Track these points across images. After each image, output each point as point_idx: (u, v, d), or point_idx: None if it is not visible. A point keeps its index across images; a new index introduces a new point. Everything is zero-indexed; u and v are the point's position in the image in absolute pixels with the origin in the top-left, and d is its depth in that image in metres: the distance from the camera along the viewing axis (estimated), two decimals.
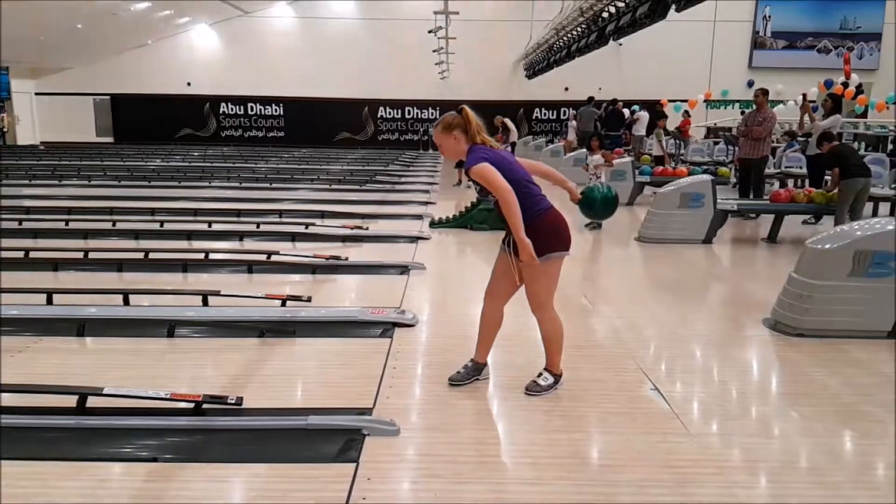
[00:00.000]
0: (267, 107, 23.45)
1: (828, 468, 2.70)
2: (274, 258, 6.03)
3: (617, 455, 2.75)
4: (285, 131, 23.57)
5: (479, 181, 3.10)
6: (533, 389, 3.31)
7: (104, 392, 2.98)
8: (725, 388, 3.50)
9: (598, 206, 3.69)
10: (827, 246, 4.18)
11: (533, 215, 3.09)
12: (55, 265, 5.83)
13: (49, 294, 4.66)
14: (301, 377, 3.58)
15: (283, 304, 4.62)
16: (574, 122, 16.79)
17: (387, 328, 4.23)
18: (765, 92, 9.02)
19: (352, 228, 7.57)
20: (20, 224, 7.89)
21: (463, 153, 3.17)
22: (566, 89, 21.96)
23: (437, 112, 23.17)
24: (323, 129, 23.17)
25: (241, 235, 7.42)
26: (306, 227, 7.66)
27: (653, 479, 2.56)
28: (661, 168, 10.86)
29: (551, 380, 3.33)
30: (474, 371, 3.41)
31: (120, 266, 5.84)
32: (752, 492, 2.52)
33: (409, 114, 23.52)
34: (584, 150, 11.51)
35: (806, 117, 9.70)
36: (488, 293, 3.39)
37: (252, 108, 23.48)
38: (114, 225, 7.87)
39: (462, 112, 3.16)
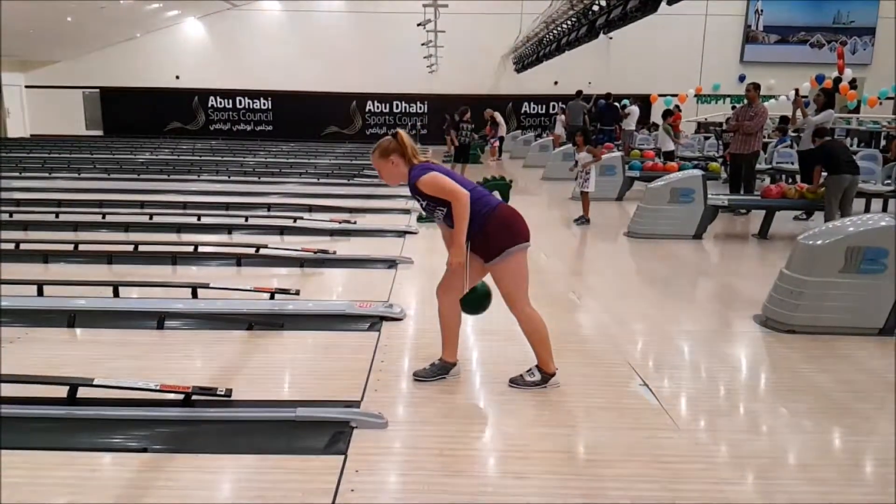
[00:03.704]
0: (255, 101, 23.31)
1: (817, 464, 2.71)
2: (262, 251, 6.02)
3: (605, 450, 2.76)
4: (273, 125, 23.45)
5: (431, 191, 3.10)
6: (517, 382, 3.31)
7: (94, 383, 2.99)
8: (714, 384, 3.51)
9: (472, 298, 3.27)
10: (819, 242, 4.18)
11: (483, 216, 3.11)
12: (46, 257, 5.83)
13: (40, 286, 4.65)
14: (289, 370, 3.58)
15: (272, 297, 4.62)
16: (562, 117, 16.78)
17: (374, 322, 4.23)
18: (756, 86, 9.03)
19: (340, 222, 7.55)
20: (11, 216, 7.84)
21: (403, 176, 3.21)
22: (555, 83, 21.93)
23: (426, 106, 23.14)
24: (311, 123, 23.07)
25: (229, 229, 7.41)
26: (294, 221, 7.66)
27: (641, 474, 2.57)
28: (651, 163, 10.88)
29: (538, 377, 3.30)
30: (441, 370, 3.39)
31: (110, 258, 5.83)
32: (740, 488, 2.53)
33: (397, 108, 23.44)
34: (572, 145, 11.51)
35: (798, 112, 9.73)
36: (441, 288, 3.35)
37: (240, 101, 23.34)
38: (104, 217, 7.83)
39: (397, 136, 3.20)
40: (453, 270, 3.18)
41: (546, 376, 3.30)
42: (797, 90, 10.95)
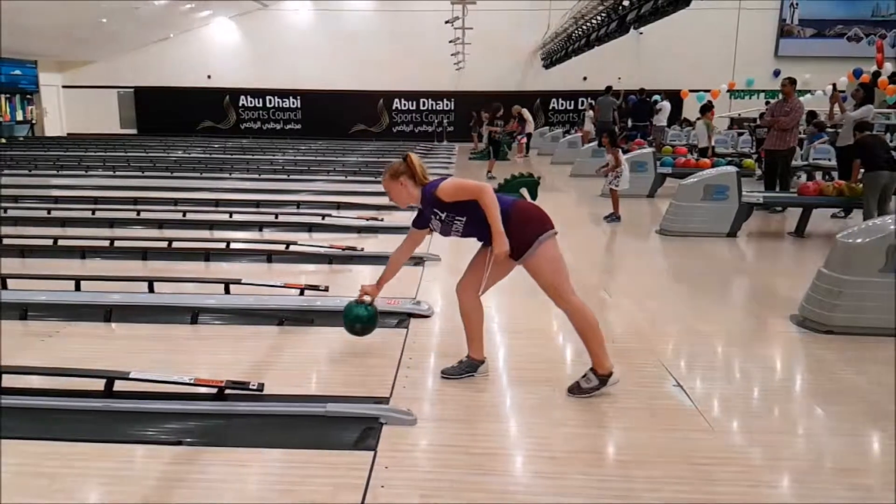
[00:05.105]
0: (285, 99, 23.57)
1: (856, 469, 2.63)
2: (292, 248, 6.08)
3: (637, 451, 2.72)
4: (302, 124, 23.69)
5: (453, 195, 3.09)
6: (574, 391, 3.19)
7: (130, 376, 3.04)
8: (750, 386, 3.44)
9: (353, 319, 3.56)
10: (858, 240, 4.07)
11: (504, 213, 3.08)
12: (83, 253, 5.95)
13: (77, 281, 4.75)
14: (319, 365, 3.60)
15: (302, 294, 4.66)
16: (591, 113, 16.63)
17: (402, 319, 4.24)
18: (792, 81, 8.82)
19: (367, 219, 7.58)
20: (49, 213, 8.05)
21: (414, 197, 3.23)
22: (584, 79, 21.71)
23: (452, 103, 23.12)
24: (339, 121, 23.25)
25: (260, 226, 7.49)
26: (323, 218, 7.72)
27: (674, 475, 2.53)
28: (683, 159, 10.71)
29: (595, 382, 3.16)
30: (469, 367, 3.37)
31: (144, 254, 5.94)
32: (776, 491, 2.47)
33: (423, 105, 23.48)
34: (598, 145, 11.39)
35: (836, 108, 9.49)
36: (461, 286, 3.35)
37: (270, 100, 23.62)
38: (138, 214, 7.99)
39: (407, 159, 3.21)
40: (500, 262, 3.13)
41: (603, 378, 3.17)
42: (834, 85, 10.69)
